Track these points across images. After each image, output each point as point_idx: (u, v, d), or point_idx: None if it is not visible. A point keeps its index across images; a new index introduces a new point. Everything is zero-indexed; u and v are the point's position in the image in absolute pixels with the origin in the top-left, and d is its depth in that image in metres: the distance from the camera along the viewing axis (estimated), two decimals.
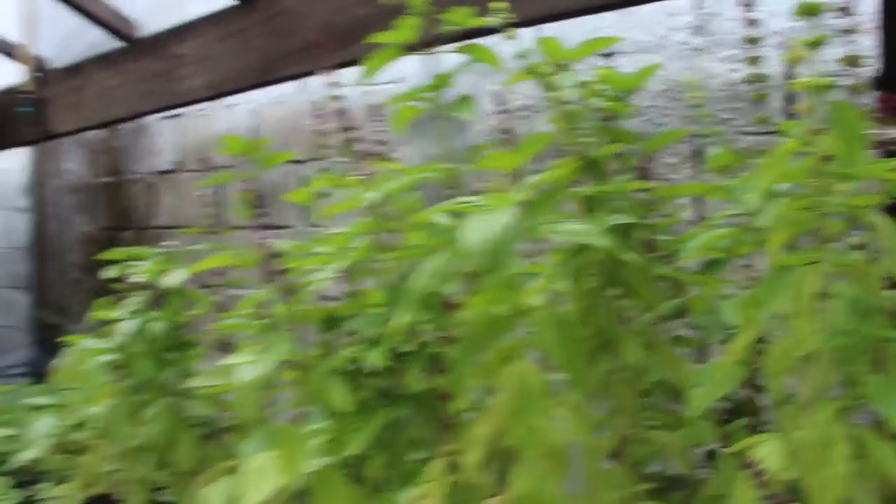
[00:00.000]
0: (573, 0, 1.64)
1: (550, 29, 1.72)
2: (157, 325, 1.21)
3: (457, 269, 0.68)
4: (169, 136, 3.13)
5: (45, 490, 1.69)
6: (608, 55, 1.83)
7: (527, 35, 1.62)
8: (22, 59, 2.91)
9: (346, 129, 1.19)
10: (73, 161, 3.67)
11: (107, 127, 3.15)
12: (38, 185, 3.86)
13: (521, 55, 0.83)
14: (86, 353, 1.24)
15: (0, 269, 4.04)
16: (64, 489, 1.70)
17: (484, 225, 0.59)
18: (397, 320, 0.73)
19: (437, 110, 0.89)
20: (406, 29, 0.89)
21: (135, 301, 1.25)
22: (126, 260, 1.33)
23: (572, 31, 1.80)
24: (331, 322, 0.91)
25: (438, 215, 0.90)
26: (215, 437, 1.29)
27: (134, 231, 3.29)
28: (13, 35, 3.04)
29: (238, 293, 1.51)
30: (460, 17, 0.86)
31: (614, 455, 0.83)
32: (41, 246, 3.86)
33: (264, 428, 1.09)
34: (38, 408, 1.58)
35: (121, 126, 3.18)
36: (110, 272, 1.36)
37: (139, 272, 1.22)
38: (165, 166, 3.14)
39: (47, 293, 3.83)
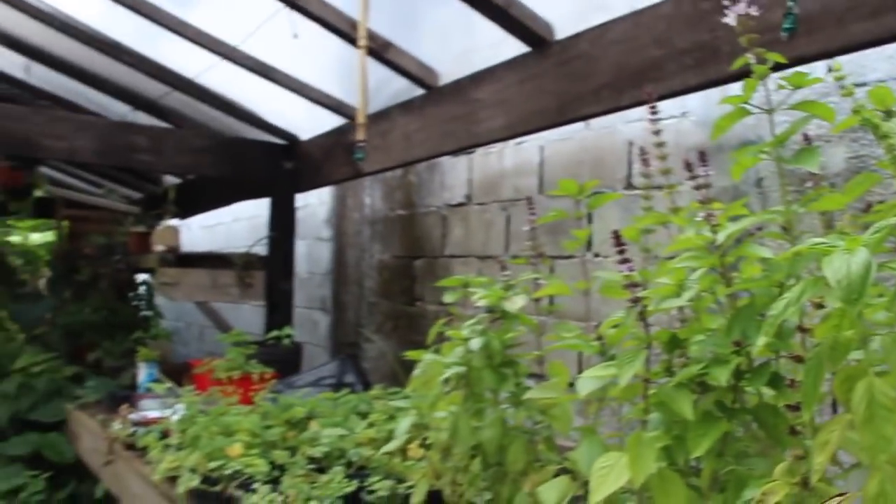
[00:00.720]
0: (874, 29, 1.63)
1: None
2: (496, 343, 1.40)
3: (808, 299, 0.79)
4: (460, 172, 3.40)
5: (375, 483, 1.93)
6: None
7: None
8: (354, 114, 3.29)
9: (648, 163, 1.31)
10: (370, 196, 4.06)
11: (408, 166, 3.49)
12: (340, 218, 4.30)
13: (856, 110, 0.91)
14: (433, 365, 1.45)
15: (305, 292, 4.52)
16: (388, 484, 1.94)
17: (845, 262, 0.70)
18: (755, 343, 0.85)
19: (778, 161, 0.98)
20: (749, 90, 0.99)
21: (475, 322, 1.44)
22: (462, 286, 1.53)
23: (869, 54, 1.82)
24: (673, 343, 1.04)
25: (765, 251, 1.01)
26: (543, 443, 1.46)
27: (426, 260, 3.59)
28: (328, 86, 3.46)
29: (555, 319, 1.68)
30: (797, 79, 0.96)
31: None
32: (340, 272, 4.29)
33: (594, 436, 1.24)
34: (400, 409, 1.83)
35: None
36: (448, 296, 1.57)
37: (480, 297, 1.41)
38: (456, 200, 3.41)
39: (345, 314, 4.24)
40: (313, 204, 4.54)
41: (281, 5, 2.79)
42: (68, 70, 4.12)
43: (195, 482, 1.99)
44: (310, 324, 4.55)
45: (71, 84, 4.36)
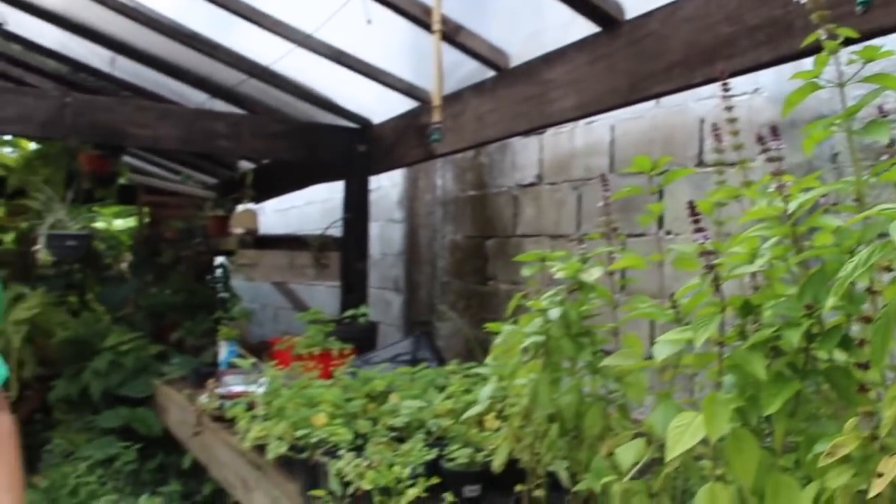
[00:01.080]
0: None
1: None
2: (573, 313, 1.45)
3: (877, 261, 0.82)
4: (531, 152, 3.45)
5: (454, 451, 2.01)
6: None
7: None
8: (425, 97, 3.38)
9: (721, 140, 1.35)
10: (442, 177, 4.14)
11: (480, 147, 3.55)
12: (412, 199, 4.38)
13: None
14: (513, 334, 1.51)
15: (378, 272, 4.62)
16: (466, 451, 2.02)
17: None
18: (825, 306, 0.90)
19: (850, 134, 1.01)
20: (820, 64, 1.03)
21: (554, 293, 1.50)
22: (539, 260, 1.59)
23: None
24: (746, 308, 1.09)
25: (836, 220, 1.05)
26: (618, 411, 1.52)
27: (497, 239, 3.65)
28: (398, 70, 3.54)
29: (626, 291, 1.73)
30: (869, 53, 0.99)
31: None
32: (413, 252, 4.38)
33: (669, 400, 1.29)
34: (477, 381, 1.90)
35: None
36: (525, 270, 1.63)
37: (558, 270, 1.47)
38: (528, 180, 3.46)
39: (418, 294, 4.33)
40: (385, 186, 4.64)
41: None
42: (150, 61, 4.28)
43: (283, 449, 2.10)
44: (383, 303, 4.65)
45: (151, 75, 4.51)
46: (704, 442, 1.11)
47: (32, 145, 5.88)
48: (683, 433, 1.08)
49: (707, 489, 1.11)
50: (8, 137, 5.93)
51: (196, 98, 4.67)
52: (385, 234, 4.70)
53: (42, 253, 4.10)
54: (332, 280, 4.30)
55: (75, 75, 5.18)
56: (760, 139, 1.12)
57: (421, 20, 2.87)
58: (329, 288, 4.88)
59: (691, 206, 1.05)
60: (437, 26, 2.50)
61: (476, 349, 3.45)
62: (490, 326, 1.64)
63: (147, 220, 6.73)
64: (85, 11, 3.92)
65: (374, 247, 4.58)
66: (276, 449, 2.11)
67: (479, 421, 2.16)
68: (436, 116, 2.66)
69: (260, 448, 2.30)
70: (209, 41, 3.75)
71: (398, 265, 4.58)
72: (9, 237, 6.22)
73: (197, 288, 5.75)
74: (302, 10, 3.29)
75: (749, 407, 1.07)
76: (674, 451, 1.08)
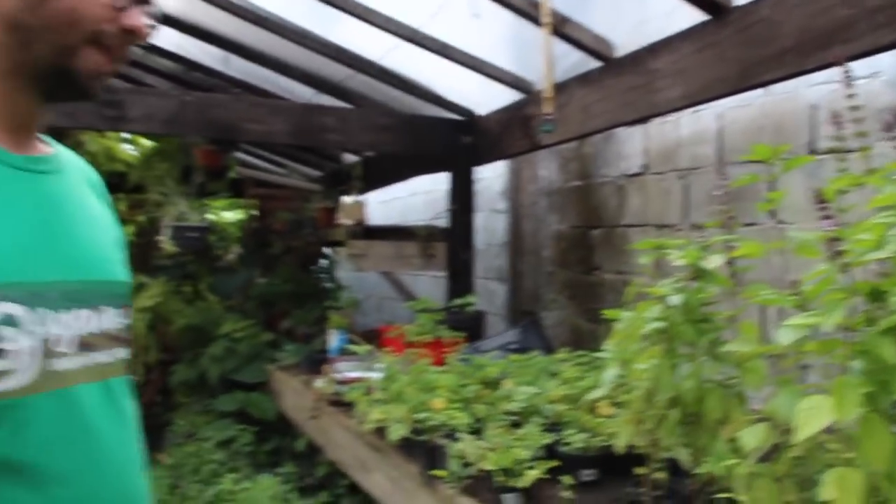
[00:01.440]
0: None
1: None
2: (694, 299, 1.49)
3: None
4: (636, 141, 3.46)
5: (570, 435, 2.06)
6: None
7: None
8: (530, 89, 3.43)
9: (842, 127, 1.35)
10: (546, 168, 4.17)
11: (585, 138, 3.57)
12: (515, 190, 4.43)
13: None
14: (634, 320, 1.55)
15: (483, 262, 4.68)
16: (582, 436, 2.07)
17: None
18: None
19: None
20: None
21: (673, 280, 1.53)
22: (657, 248, 1.62)
23: None
24: (874, 294, 1.11)
25: None
26: (735, 397, 1.54)
27: (603, 229, 3.67)
28: (500, 61, 3.59)
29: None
30: None
31: None
32: (517, 243, 4.43)
33: (792, 386, 1.31)
34: (592, 365, 1.95)
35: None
36: (642, 258, 1.67)
37: (677, 258, 1.51)
38: (633, 170, 3.47)
39: (522, 283, 4.39)
40: (488, 177, 4.69)
41: None
42: (260, 59, 4.44)
43: (404, 431, 2.19)
44: (487, 293, 4.72)
45: (261, 71, 4.68)
46: (829, 430, 1.13)
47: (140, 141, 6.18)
48: (812, 415, 1.11)
49: (836, 473, 1.13)
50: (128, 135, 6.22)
51: (303, 93, 4.83)
52: (489, 224, 4.76)
53: (167, 244, 4.31)
54: (438, 270, 4.39)
55: (189, 74, 5.42)
56: (889, 126, 1.13)
57: (527, 13, 2.91)
58: (432, 277, 4.98)
59: (818, 194, 1.08)
60: (546, 19, 2.54)
61: (586, 337, 3.48)
62: (608, 313, 1.68)
63: (255, 212, 6.97)
64: (199, 13, 4.10)
65: (478, 237, 4.64)
66: (398, 431, 2.20)
67: (591, 407, 2.21)
68: (547, 108, 2.70)
69: (378, 431, 2.39)
70: (319, 38, 3.87)
71: (502, 255, 4.64)
72: (129, 230, 6.55)
73: (304, 278, 5.94)
74: (408, 6, 3.38)
75: (879, 391, 1.09)
76: (803, 433, 1.11)
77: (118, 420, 1.06)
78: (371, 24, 3.43)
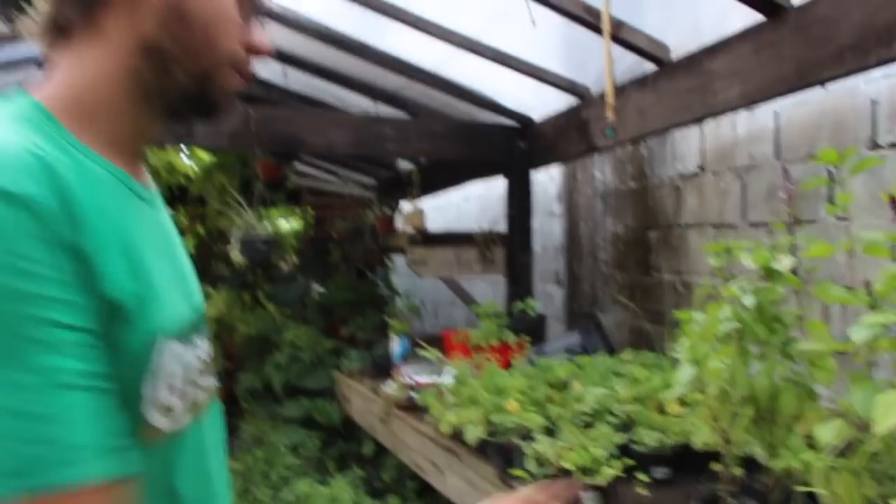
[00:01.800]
0: None
1: None
2: (766, 300, 1.54)
3: None
4: (692, 142, 3.48)
5: (642, 434, 2.11)
6: None
7: None
8: (584, 93, 3.48)
9: None
10: (601, 170, 4.22)
11: (641, 140, 3.61)
12: (571, 193, 4.48)
13: None
14: (708, 321, 1.60)
15: (539, 265, 4.73)
16: (654, 435, 2.12)
17: None
18: None
19: None
20: None
21: (744, 281, 1.58)
22: (725, 250, 1.67)
23: None
24: None
25: None
26: (807, 394, 1.59)
27: (660, 230, 3.71)
28: (552, 65, 3.64)
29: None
30: None
31: None
32: (574, 245, 4.48)
33: (867, 381, 1.35)
34: (656, 365, 2.00)
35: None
36: (713, 260, 1.71)
37: (748, 259, 1.55)
38: (689, 170, 3.50)
39: (580, 286, 4.43)
40: (543, 181, 4.74)
41: None
42: (318, 71, 4.55)
43: (480, 433, 2.25)
44: (545, 295, 4.77)
45: (317, 83, 4.80)
46: None
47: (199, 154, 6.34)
48: (890, 411, 1.15)
49: None
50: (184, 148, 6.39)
51: (359, 103, 4.93)
52: (545, 227, 4.81)
53: (236, 256, 4.44)
54: (497, 274, 4.45)
55: (247, 87, 5.55)
56: None
57: (583, 19, 2.96)
58: (487, 281, 5.04)
59: (891, 198, 1.12)
60: (607, 28, 2.60)
61: (647, 337, 3.52)
62: (679, 315, 1.73)
63: (311, 220, 7.10)
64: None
65: (535, 240, 4.70)
66: (475, 433, 2.27)
67: (661, 407, 2.26)
68: (610, 114, 2.75)
69: (453, 433, 2.47)
70: (376, 50, 3.96)
71: (559, 258, 4.68)
72: (189, 241, 6.72)
73: (362, 285, 6.05)
74: (464, 16, 3.45)
75: None
76: (882, 428, 1.15)
77: (218, 443, 1.11)
78: (428, 34, 3.51)
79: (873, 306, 1.38)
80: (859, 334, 1.28)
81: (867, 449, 1.37)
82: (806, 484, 1.46)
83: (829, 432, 1.40)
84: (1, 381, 0.71)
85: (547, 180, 4.74)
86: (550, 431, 2.19)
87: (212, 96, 1.00)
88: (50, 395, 0.73)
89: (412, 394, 2.99)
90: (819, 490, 1.42)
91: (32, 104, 0.90)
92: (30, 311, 0.73)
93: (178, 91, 0.98)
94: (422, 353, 3.23)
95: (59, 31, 0.95)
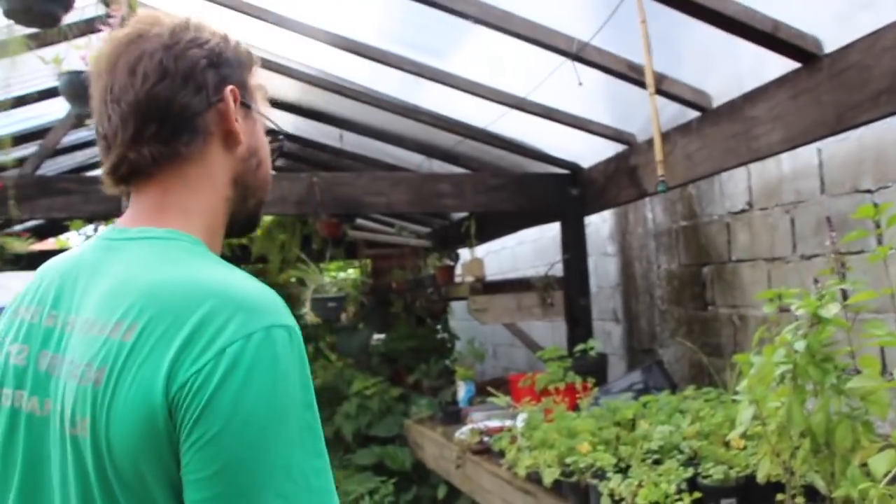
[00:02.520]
0: None
1: None
2: (816, 344, 1.68)
3: None
4: (739, 180, 3.62)
5: (709, 469, 2.24)
6: None
7: None
8: (631, 140, 3.65)
9: None
10: (652, 210, 4.36)
11: (690, 183, 3.76)
12: (623, 233, 4.63)
13: None
14: (765, 364, 1.75)
15: (596, 304, 4.87)
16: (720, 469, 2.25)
17: None
18: None
19: None
20: None
21: (796, 326, 1.73)
22: (777, 297, 1.82)
23: None
24: None
25: None
26: (862, 427, 1.72)
27: (713, 266, 3.84)
28: (595, 113, 3.82)
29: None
30: None
31: None
32: (629, 284, 4.62)
33: None
34: (718, 401, 2.14)
35: None
36: (766, 307, 1.86)
37: (798, 307, 1.70)
38: (738, 207, 3.63)
39: (637, 323, 4.56)
40: (595, 222, 4.90)
41: (565, 59, 3.18)
42: (373, 133, 4.79)
43: (556, 474, 2.41)
44: (603, 334, 4.90)
45: (371, 143, 5.04)
46: None
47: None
48: None
49: None
50: None
51: (412, 159, 5.15)
52: (599, 268, 4.96)
53: (309, 315, 4.66)
54: (558, 317, 4.59)
55: (303, 150, 5.83)
56: None
57: (628, 77, 3.14)
58: (546, 324, 5.19)
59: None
60: (651, 88, 2.76)
61: (706, 370, 3.63)
62: (738, 358, 1.88)
63: (369, 271, 7.33)
64: (315, 97, 4.48)
65: (591, 280, 4.84)
66: (552, 474, 2.42)
67: (725, 441, 2.39)
68: (660, 171, 2.91)
69: (528, 475, 2.62)
70: (430, 112, 4.18)
71: (615, 297, 4.82)
72: None
73: (424, 333, 6.24)
74: (511, 76, 3.65)
75: None
76: None
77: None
78: (480, 97, 3.71)
79: None
80: None
81: None
82: None
83: (883, 462, 1.53)
84: (316, 468, 0.95)
85: (599, 221, 4.89)
86: (622, 469, 2.33)
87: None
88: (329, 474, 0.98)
89: (485, 438, 3.15)
90: None
91: (192, 240, 1.09)
92: (314, 415, 0.99)
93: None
94: (490, 399, 3.39)
95: (137, 172, 1.11)
